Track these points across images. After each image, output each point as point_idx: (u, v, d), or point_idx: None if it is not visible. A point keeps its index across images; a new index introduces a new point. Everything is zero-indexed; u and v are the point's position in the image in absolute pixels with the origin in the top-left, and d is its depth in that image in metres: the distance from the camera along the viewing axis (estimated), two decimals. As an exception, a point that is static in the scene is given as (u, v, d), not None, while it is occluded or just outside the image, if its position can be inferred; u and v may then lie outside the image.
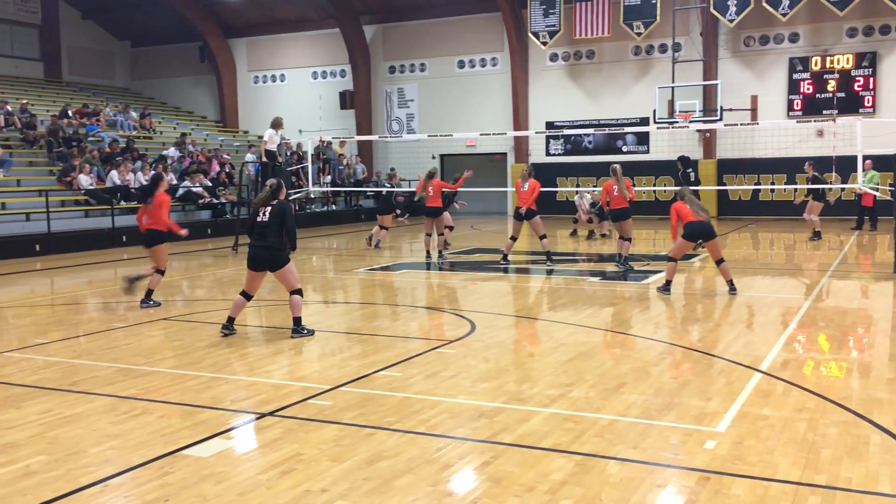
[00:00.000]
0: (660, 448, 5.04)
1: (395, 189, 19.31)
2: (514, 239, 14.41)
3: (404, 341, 8.46)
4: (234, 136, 31.21)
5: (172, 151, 24.30)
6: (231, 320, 8.76)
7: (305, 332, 8.64)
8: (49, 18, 31.86)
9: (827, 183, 15.81)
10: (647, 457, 4.89)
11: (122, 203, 20.45)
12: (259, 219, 8.54)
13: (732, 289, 10.96)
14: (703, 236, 10.99)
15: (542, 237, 13.95)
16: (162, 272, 10.74)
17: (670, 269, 11.20)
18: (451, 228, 16.42)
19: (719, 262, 11.06)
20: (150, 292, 10.69)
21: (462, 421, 5.65)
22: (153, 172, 13.84)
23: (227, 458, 5.01)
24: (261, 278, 8.74)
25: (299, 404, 6.09)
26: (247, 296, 8.72)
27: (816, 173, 16.19)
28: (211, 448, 5.15)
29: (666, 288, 11.10)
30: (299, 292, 8.65)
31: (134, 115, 27.24)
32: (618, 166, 13.48)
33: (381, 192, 20.25)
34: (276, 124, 17.94)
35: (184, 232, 11.06)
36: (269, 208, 8.52)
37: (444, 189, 15.37)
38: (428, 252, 15.28)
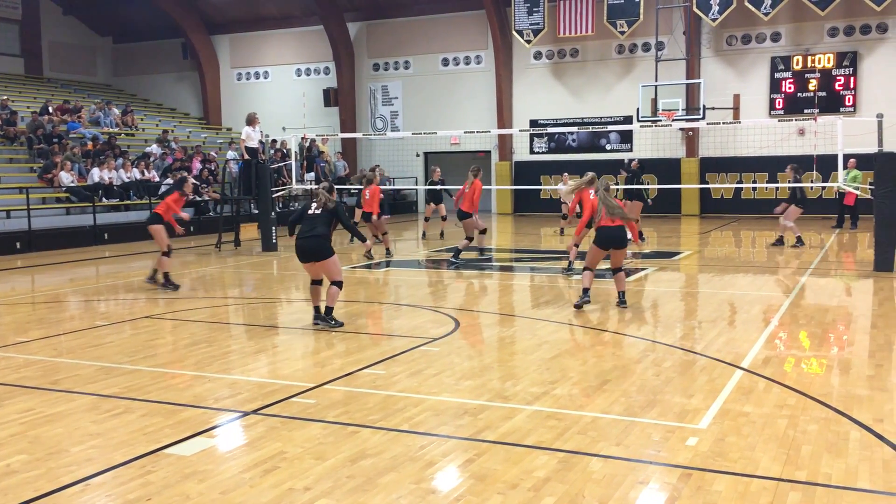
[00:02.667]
0: (642, 445, 5.07)
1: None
2: (482, 232, 14.92)
3: (388, 339, 8.46)
4: (218, 134, 31.04)
5: (154, 148, 24.13)
6: (318, 310, 8.95)
7: (334, 322, 8.82)
8: (30, 14, 31.56)
9: (808, 187, 15.83)
10: (630, 454, 4.91)
11: (104, 200, 20.30)
12: (311, 212, 8.93)
13: (622, 301, 9.74)
14: (614, 244, 9.68)
15: (469, 238, 13.83)
16: (166, 254, 11.71)
17: (586, 277, 9.82)
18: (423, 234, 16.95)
19: (616, 270, 9.85)
20: (165, 275, 11.75)
21: (446, 419, 5.66)
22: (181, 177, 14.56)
23: (209, 457, 4.99)
24: (312, 267, 8.89)
25: (283, 402, 6.08)
26: (316, 282, 9.00)
27: (798, 176, 16.12)
28: (193, 447, 5.13)
29: (583, 300, 9.73)
30: (339, 284, 8.88)
31: (116, 111, 27.05)
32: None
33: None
34: (251, 120, 17.79)
35: (179, 230, 12.31)
36: (323, 205, 8.92)
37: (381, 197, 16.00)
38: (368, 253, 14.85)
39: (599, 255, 9.90)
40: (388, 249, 15.85)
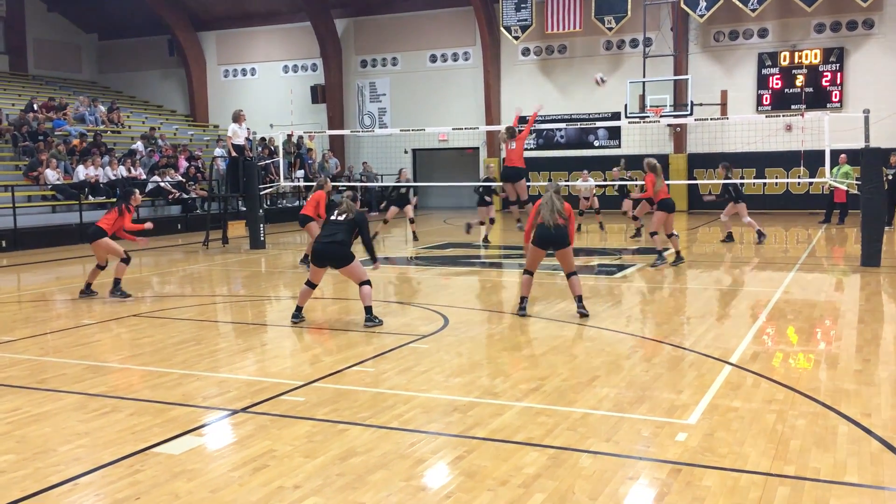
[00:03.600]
0: (632, 441, 5.08)
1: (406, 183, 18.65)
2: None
3: (378, 336, 8.44)
4: (205, 131, 30.90)
5: (139, 146, 23.99)
6: (299, 309, 9.08)
7: (377, 321, 8.84)
8: (14, 11, 31.30)
9: (740, 183, 15.60)
10: (620, 449, 4.92)
11: (90, 198, 20.18)
12: (334, 218, 8.97)
13: (580, 307, 9.12)
14: (551, 245, 9.09)
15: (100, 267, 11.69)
16: (125, 261, 10.89)
17: (525, 283, 9.37)
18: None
19: (570, 274, 9.22)
20: (116, 280, 10.90)
21: (435, 416, 5.65)
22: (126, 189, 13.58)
23: (198, 456, 4.96)
24: (323, 272, 9.05)
25: (272, 400, 6.06)
26: (311, 285, 9.04)
27: (730, 174, 16.08)
28: (182, 445, 5.11)
29: (522, 308, 9.28)
30: (368, 283, 8.90)
31: (102, 109, 26.88)
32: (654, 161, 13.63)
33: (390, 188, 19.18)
34: (237, 117, 17.64)
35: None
36: (348, 215, 8.93)
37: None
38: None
39: (538, 255, 9.25)
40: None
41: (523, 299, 9.36)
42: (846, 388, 6.15)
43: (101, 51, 34.93)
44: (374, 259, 9.32)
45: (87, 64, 34.71)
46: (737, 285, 11.67)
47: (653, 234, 13.40)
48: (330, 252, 8.75)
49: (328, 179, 13.98)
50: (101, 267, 10.97)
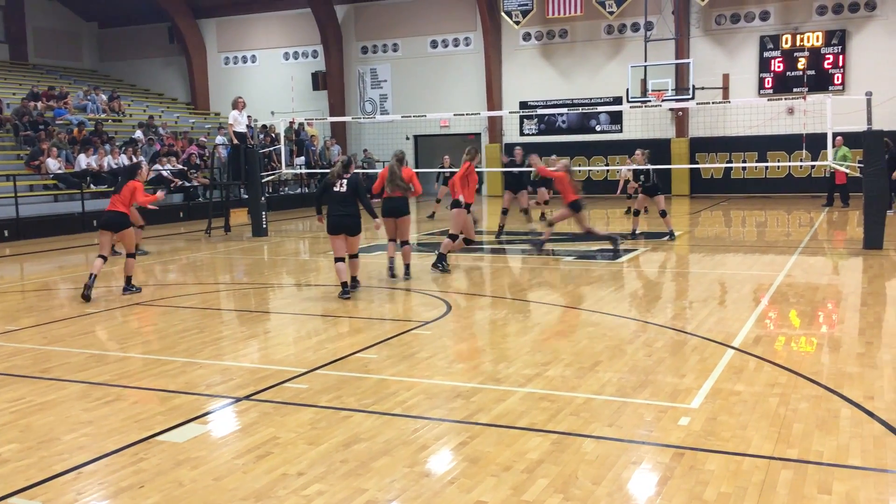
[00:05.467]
0: (635, 425, 5.08)
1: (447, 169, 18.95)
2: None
3: (380, 323, 8.45)
4: (206, 119, 30.84)
5: (138, 134, 23.93)
6: (345, 284, 9.65)
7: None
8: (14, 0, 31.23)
9: (651, 172, 14.75)
10: (623, 434, 4.93)
11: (92, 187, 20.17)
12: (337, 189, 9.59)
13: (406, 273, 10.85)
14: (394, 214, 10.75)
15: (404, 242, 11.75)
16: (132, 256, 10.59)
17: (389, 248, 11.02)
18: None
19: (403, 243, 10.88)
20: (128, 279, 10.54)
21: (438, 402, 5.66)
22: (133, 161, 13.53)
23: (202, 443, 4.98)
24: (343, 240, 9.66)
25: (275, 388, 6.07)
26: (342, 259, 9.68)
27: (647, 161, 15.22)
28: (186, 433, 5.12)
29: (389, 269, 10.85)
30: (357, 256, 9.90)
31: (102, 97, 26.82)
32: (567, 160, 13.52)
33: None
34: (236, 104, 17.64)
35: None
36: (344, 180, 9.58)
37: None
38: None
39: (390, 224, 10.83)
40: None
41: (391, 259, 10.92)
42: (849, 372, 6.15)
43: (102, 39, 34.82)
44: (374, 216, 10.01)
45: (87, 52, 34.62)
46: (739, 269, 11.66)
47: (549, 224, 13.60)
48: (346, 224, 9.57)
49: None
50: (104, 258, 10.32)
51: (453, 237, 11.46)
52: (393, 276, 10.89)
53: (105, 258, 10.30)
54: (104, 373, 6.62)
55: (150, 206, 11.61)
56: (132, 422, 5.37)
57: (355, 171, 10.14)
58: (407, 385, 6.05)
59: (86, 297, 9.81)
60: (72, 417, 5.50)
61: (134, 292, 10.43)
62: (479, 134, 29.16)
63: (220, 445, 4.97)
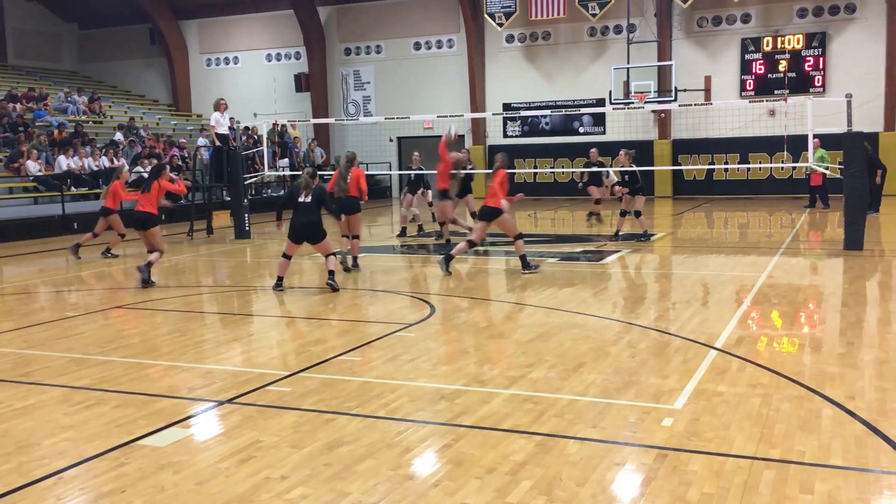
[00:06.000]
0: (618, 427, 5.09)
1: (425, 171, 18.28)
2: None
3: (364, 325, 8.43)
4: (188, 121, 30.69)
5: (118, 136, 23.76)
6: (280, 279, 10.44)
7: (342, 272, 11.09)
8: (-8, 0, 30.94)
9: (607, 168, 14.74)
10: (607, 435, 4.94)
11: (73, 189, 20.02)
12: (301, 199, 10.19)
13: (354, 265, 11.82)
14: (345, 212, 11.69)
15: (355, 237, 12.17)
16: (157, 251, 11.39)
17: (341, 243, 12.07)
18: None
19: (353, 237, 11.95)
20: (149, 264, 11.22)
21: (422, 404, 5.65)
22: (156, 164, 14.32)
23: (184, 447, 4.94)
24: (298, 247, 10.42)
25: (258, 391, 6.04)
26: (288, 257, 10.42)
27: (601, 159, 15.16)
28: (168, 437, 5.08)
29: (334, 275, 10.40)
30: (334, 255, 10.40)
31: (83, 99, 26.62)
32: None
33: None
34: (218, 106, 17.54)
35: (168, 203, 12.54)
36: (310, 191, 10.16)
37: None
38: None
39: (341, 224, 11.94)
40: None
41: (352, 259, 11.99)
42: (830, 372, 6.19)
43: (82, 40, 34.55)
44: (338, 218, 11.29)
45: (67, 53, 34.35)
46: (721, 270, 11.72)
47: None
48: (307, 232, 10.15)
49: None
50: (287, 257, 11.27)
51: (519, 237, 11.63)
52: (346, 269, 11.68)
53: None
54: (85, 377, 6.56)
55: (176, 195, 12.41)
56: (113, 426, 5.32)
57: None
58: (391, 387, 6.03)
59: (145, 283, 10.94)
60: (52, 422, 5.44)
61: (149, 285, 11.00)
62: (463, 136, 29.18)
63: (202, 449, 4.94)
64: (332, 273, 10.28)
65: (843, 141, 13.34)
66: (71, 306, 9.85)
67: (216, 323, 8.98)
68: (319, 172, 12.92)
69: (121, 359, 7.16)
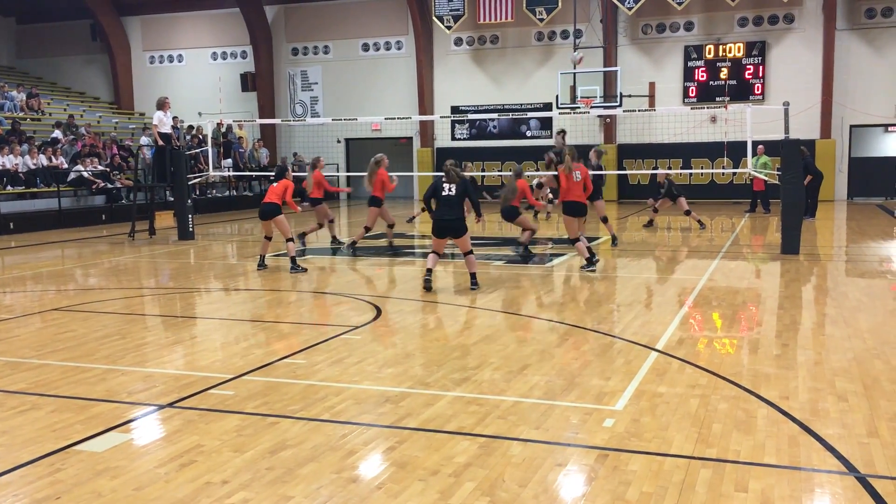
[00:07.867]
0: (561, 428, 5.15)
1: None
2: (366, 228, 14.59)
3: (309, 328, 8.37)
4: (130, 119, 30.09)
5: (57, 134, 23.19)
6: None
7: (477, 285, 10.23)
8: (-76, -9, 29.92)
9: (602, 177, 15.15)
10: (549, 437, 4.99)
11: (9, 188, 19.46)
12: (445, 193, 10.17)
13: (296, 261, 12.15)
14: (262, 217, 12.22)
15: (289, 240, 12.43)
16: (292, 239, 12.30)
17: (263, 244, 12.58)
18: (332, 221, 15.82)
19: (302, 234, 14.12)
20: (293, 260, 12.02)
21: (367, 407, 5.64)
22: (279, 164, 14.39)
23: (123, 452, 4.85)
24: (445, 243, 10.46)
25: (200, 395, 5.95)
26: (438, 255, 10.41)
27: (601, 163, 15.26)
28: (106, 442, 4.98)
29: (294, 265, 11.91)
30: (472, 252, 10.37)
31: (20, 95, 25.90)
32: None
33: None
34: (161, 104, 17.21)
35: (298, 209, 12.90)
36: (454, 185, 10.14)
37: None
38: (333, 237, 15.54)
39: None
40: (334, 237, 15.63)
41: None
42: (766, 373, 6.35)
43: (20, 35, 33.64)
44: (479, 214, 10.79)
45: (3, 49, 33.40)
46: (664, 273, 11.93)
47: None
48: (452, 227, 10.16)
49: (321, 158, 15.08)
50: (268, 238, 12.38)
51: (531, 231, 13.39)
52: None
53: (269, 238, 12.40)
54: (20, 381, 6.39)
55: (294, 206, 12.52)
56: (49, 431, 5.19)
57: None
58: (335, 390, 6.00)
59: (261, 266, 12.17)
60: (-16, 428, 5.29)
61: (300, 272, 11.77)
62: (411, 138, 29.19)
63: (141, 454, 4.85)
64: (474, 276, 10.32)
65: (780, 148, 13.71)
66: (5, 308, 9.58)
67: (158, 325, 8.82)
68: (264, 174, 13.12)
69: (57, 362, 6.99)
